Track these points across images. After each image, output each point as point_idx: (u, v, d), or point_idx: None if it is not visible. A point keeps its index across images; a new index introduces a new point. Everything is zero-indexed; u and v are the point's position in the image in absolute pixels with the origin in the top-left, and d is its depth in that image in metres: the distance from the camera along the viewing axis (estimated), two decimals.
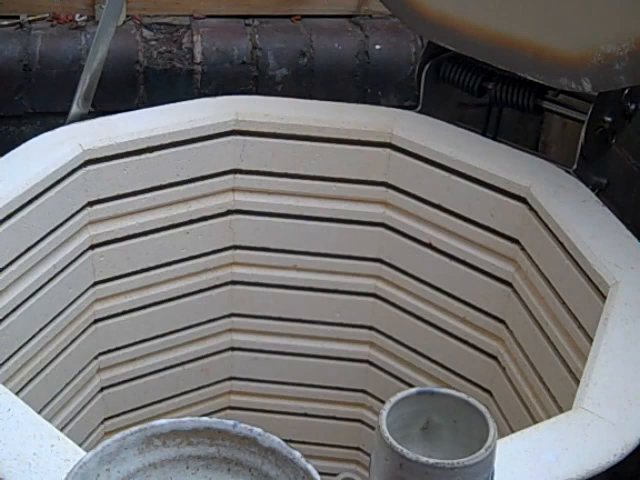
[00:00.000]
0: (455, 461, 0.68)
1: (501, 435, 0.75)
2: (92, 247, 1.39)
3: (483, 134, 1.46)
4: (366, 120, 1.46)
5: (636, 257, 1.17)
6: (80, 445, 0.83)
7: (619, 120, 1.34)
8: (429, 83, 1.52)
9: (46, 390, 1.36)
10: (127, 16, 1.93)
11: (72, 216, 1.34)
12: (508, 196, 1.34)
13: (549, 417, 1.04)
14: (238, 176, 1.47)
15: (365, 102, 1.72)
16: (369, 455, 0.74)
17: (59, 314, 1.35)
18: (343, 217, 1.50)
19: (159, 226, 1.42)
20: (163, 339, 1.51)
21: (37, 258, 1.29)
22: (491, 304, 1.40)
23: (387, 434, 0.69)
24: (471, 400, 0.73)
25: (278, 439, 0.73)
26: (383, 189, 1.47)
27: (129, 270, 1.43)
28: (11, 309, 1.27)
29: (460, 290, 1.44)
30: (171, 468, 0.75)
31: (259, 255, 1.52)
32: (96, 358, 1.45)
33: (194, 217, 1.46)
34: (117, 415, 1.48)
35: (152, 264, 1.45)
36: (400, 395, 0.73)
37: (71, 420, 1.42)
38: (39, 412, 0.98)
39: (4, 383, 1.05)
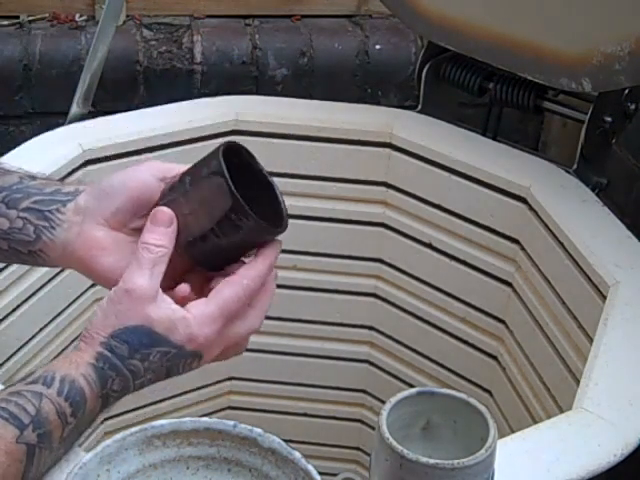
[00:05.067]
0: (455, 461, 0.68)
1: (501, 435, 0.75)
2: None
3: (483, 134, 1.46)
4: (366, 120, 1.46)
5: (636, 257, 1.17)
6: (80, 445, 0.83)
7: (619, 120, 1.34)
8: (429, 83, 1.52)
9: None
10: (127, 16, 1.93)
11: None
12: (508, 196, 1.34)
13: (549, 417, 1.04)
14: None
15: (365, 102, 1.72)
16: (369, 455, 0.74)
17: (59, 314, 1.35)
18: (343, 217, 1.50)
19: None
20: None
21: None
22: (491, 304, 1.40)
23: (387, 434, 0.69)
24: (471, 400, 0.73)
25: (278, 439, 0.73)
26: (383, 189, 1.47)
27: None
28: (11, 309, 1.27)
29: (460, 290, 1.44)
30: (171, 468, 0.75)
31: None
32: None
33: None
34: (117, 415, 1.48)
35: None
36: (400, 395, 0.73)
37: None
38: None
39: (4, 383, 1.05)
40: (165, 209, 0.81)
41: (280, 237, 0.89)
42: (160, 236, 0.80)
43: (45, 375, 0.76)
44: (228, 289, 0.81)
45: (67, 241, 0.85)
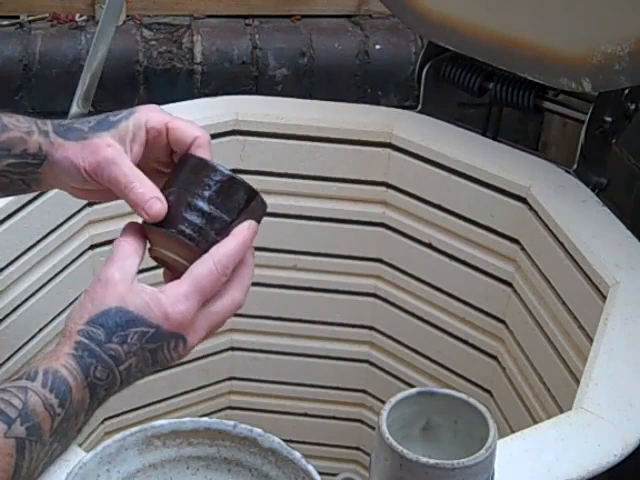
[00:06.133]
0: (455, 461, 0.68)
1: (501, 435, 0.75)
2: (92, 247, 1.39)
3: (483, 134, 1.46)
4: (366, 120, 1.46)
5: (636, 257, 1.17)
6: (80, 445, 0.83)
7: (619, 120, 1.34)
8: (429, 83, 1.52)
9: None
10: (127, 16, 1.93)
11: (72, 216, 1.34)
12: (508, 196, 1.34)
13: (549, 417, 1.04)
14: (238, 176, 1.46)
15: (365, 102, 1.72)
16: (369, 455, 0.74)
17: (59, 314, 1.35)
18: (343, 217, 1.49)
19: None
20: None
21: (37, 258, 1.29)
22: (491, 304, 1.40)
23: (387, 434, 0.69)
24: (471, 400, 0.73)
25: (278, 439, 0.73)
26: (383, 189, 1.47)
27: None
28: (11, 309, 1.27)
29: (460, 290, 1.44)
30: (171, 468, 0.75)
31: (259, 255, 1.50)
32: None
33: None
34: (117, 415, 1.48)
35: (151, 264, 1.45)
36: (400, 395, 0.73)
37: None
38: None
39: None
40: (132, 222, 0.86)
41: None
42: (129, 234, 0.85)
43: (28, 371, 0.77)
44: (199, 266, 0.82)
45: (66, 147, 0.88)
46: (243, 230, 0.85)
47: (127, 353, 0.79)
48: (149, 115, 0.88)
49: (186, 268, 0.83)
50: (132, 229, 0.85)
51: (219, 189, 0.84)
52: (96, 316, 0.79)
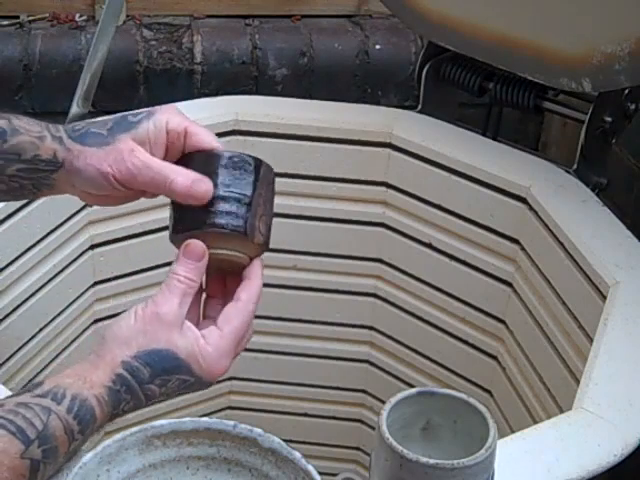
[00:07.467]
0: (455, 461, 0.68)
1: (501, 435, 0.75)
2: (92, 247, 1.39)
3: (483, 134, 1.46)
4: (366, 120, 1.46)
5: (636, 257, 1.17)
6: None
7: (619, 120, 1.34)
8: (429, 83, 1.52)
9: None
10: (127, 16, 1.93)
11: (72, 216, 1.34)
12: (508, 196, 1.34)
13: (549, 417, 1.04)
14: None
15: (365, 102, 1.72)
16: (369, 455, 0.74)
17: (59, 314, 1.35)
18: (343, 217, 1.50)
19: (159, 226, 1.42)
20: None
21: (37, 258, 1.29)
22: (491, 304, 1.40)
23: (387, 434, 0.69)
24: (471, 400, 0.73)
25: (278, 439, 0.73)
26: (383, 189, 1.47)
27: (129, 270, 1.43)
28: (11, 309, 1.27)
29: (460, 290, 1.44)
30: (171, 468, 0.75)
31: None
32: None
33: None
34: None
35: (152, 264, 1.45)
36: (400, 395, 0.73)
37: None
38: None
39: (4, 383, 1.05)
40: (197, 242, 0.82)
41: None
42: (190, 270, 0.82)
43: (55, 390, 0.75)
44: (236, 317, 0.83)
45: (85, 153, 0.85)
46: (258, 270, 0.85)
47: (162, 394, 0.80)
48: (169, 117, 0.86)
49: (233, 256, 0.84)
50: (193, 259, 0.82)
51: (228, 172, 0.84)
52: (144, 352, 0.78)
